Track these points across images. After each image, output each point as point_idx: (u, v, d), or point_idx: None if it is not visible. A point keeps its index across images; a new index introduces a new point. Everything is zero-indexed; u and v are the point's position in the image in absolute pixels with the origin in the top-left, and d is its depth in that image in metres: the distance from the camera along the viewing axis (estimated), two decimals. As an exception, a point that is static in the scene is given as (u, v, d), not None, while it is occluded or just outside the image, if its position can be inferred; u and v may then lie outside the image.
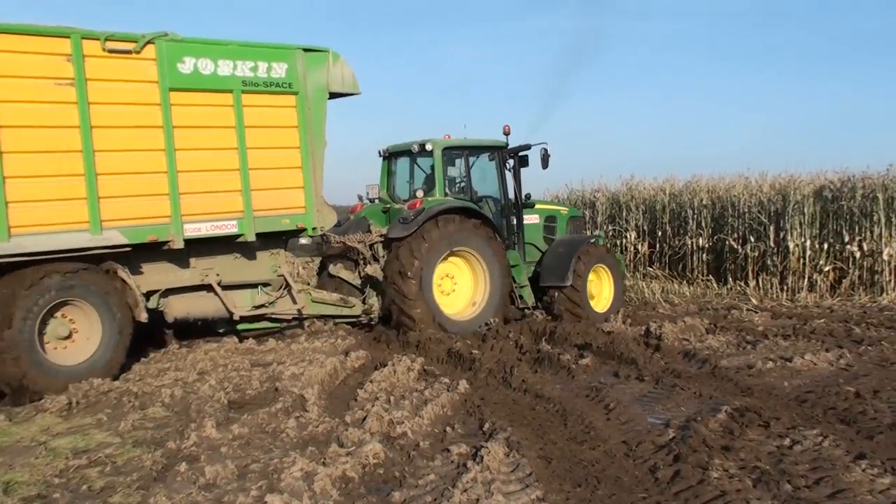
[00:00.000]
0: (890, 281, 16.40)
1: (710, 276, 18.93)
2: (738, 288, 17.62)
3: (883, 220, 16.65)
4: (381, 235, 12.49)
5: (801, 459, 6.01)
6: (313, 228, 11.27)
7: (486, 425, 7.05)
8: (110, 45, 9.40)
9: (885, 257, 16.48)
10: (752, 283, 17.57)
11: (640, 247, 21.17)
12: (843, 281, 16.85)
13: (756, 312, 13.99)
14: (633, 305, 15.58)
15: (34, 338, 8.85)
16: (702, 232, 19.73)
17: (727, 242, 18.97)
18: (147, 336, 10.72)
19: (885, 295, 15.98)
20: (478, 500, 5.29)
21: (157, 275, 10.37)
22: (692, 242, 19.79)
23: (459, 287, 12.75)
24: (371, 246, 12.60)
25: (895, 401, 7.83)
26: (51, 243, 8.97)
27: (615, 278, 13.91)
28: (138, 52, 9.61)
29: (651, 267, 20.60)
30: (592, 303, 13.58)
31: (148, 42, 9.69)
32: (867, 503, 5.16)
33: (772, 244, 17.85)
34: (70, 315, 9.32)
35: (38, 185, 8.93)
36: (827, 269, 17.05)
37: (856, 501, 5.18)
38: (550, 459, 6.20)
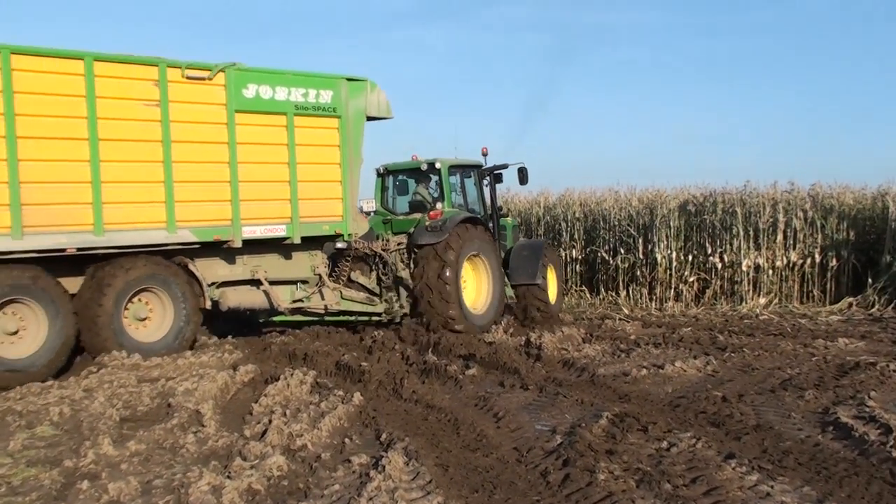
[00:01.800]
0: (748, 290, 17.53)
1: (584, 287, 19.72)
2: (611, 298, 18.45)
3: (742, 234, 17.79)
4: (398, 243, 13.94)
5: (678, 460, 6.53)
6: (349, 234, 13.07)
7: (384, 436, 7.32)
8: (189, 72, 11.20)
9: (744, 268, 17.63)
10: (623, 294, 18.44)
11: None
12: (707, 291, 17.90)
13: (628, 322, 14.75)
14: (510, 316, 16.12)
15: (120, 315, 10.83)
16: (575, 244, 20.52)
17: (599, 254, 19.80)
18: None
19: (744, 304, 17.09)
20: (383, 507, 5.56)
21: (214, 269, 12.06)
22: (566, 254, 20.54)
23: (468, 288, 14.00)
24: (385, 251, 13.89)
25: (758, 404, 8.52)
26: (136, 239, 10.86)
27: (558, 275, 15.75)
28: (211, 79, 11.43)
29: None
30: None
31: (219, 70, 11.49)
32: (738, 499, 5.68)
33: (641, 256, 18.78)
34: (147, 300, 11.23)
35: (128, 189, 10.75)
36: (691, 279, 18.08)
37: (728, 497, 5.70)
38: (447, 467, 6.52)
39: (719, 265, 17.94)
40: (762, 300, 17.17)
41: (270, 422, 7.69)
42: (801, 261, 17.78)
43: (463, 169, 14.97)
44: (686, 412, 8.16)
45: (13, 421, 8.25)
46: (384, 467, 6.23)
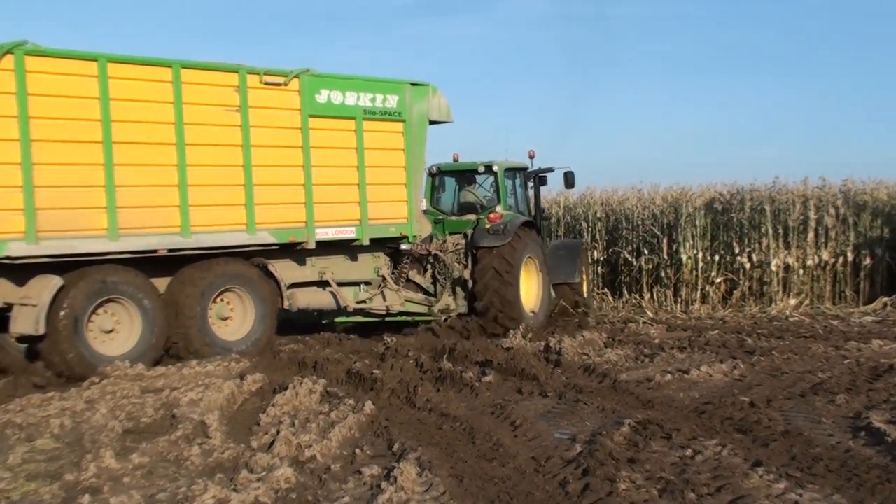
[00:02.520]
0: (778, 291, 17.47)
1: (606, 289, 19.69)
2: (634, 301, 18.42)
3: (770, 232, 17.72)
4: (455, 244, 14.67)
5: (703, 469, 6.52)
6: (413, 236, 13.87)
7: (396, 446, 7.34)
8: (267, 78, 11.93)
9: (773, 268, 17.56)
10: (647, 296, 18.40)
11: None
12: (734, 292, 17.84)
13: (652, 325, 14.73)
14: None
15: (206, 315, 11.62)
16: (597, 245, 20.49)
17: (622, 255, 19.77)
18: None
19: (773, 305, 17.03)
20: (395, 520, 5.58)
21: (287, 271, 12.75)
22: (588, 255, 20.52)
23: (522, 290, 14.59)
24: (443, 251, 14.63)
25: (787, 409, 8.50)
26: (220, 240, 11.61)
27: (588, 275, 16.79)
28: (286, 85, 12.17)
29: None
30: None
31: (294, 76, 12.24)
32: (765, 507, 5.68)
33: (665, 256, 18.73)
34: (229, 300, 12.02)
35: (212, 192, 11.48)
36: (718, 280, 18.03)
37: (755, 506, 5.70)
38: (462, 477, 6.53)
39: (747, 265, 17.88)
40: (792, 301, 17.10)
41: (278, 432, 7.72)
42: (832, 260, 17.70)
43: (514, 172, 15.76)
44: (712, 418, 8.15)
45: (13, 434, 8.31)
46: (396, 478, 6.25)
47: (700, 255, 18.30)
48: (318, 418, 8.33)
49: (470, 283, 14.36)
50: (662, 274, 18.78)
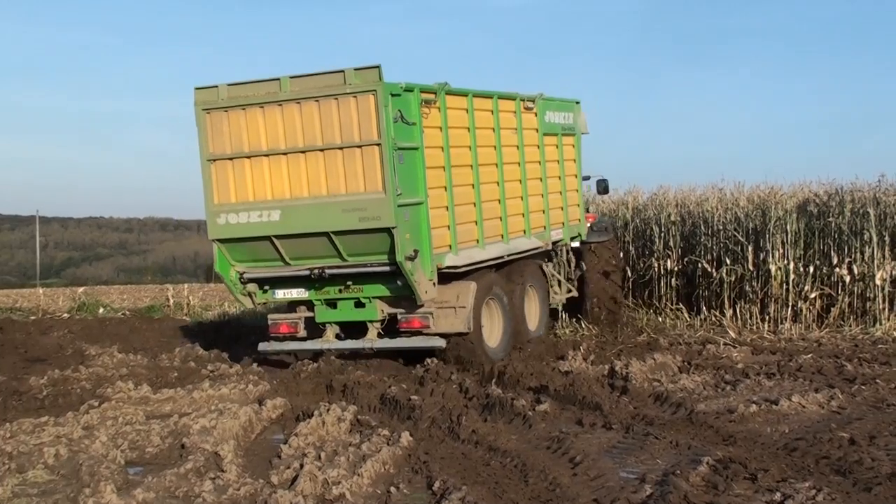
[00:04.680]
0: (884, 309, 17.20)
1: (681, 305, 19.50)
2: (714, 318, 18.24)
3: (875, 240, 17.45)
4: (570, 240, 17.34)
5: (794, 516, 6.46)
6: (580, 235, 17.26)
7: (436, 484, 7.36)
8: (524, 104, 15.28)
9: (878, 282, 17.27)
10: (729, 313, 18.18)
11: (598, 270, 21.67)
12: (832, 309, 17.60)
13: (734, 347, 14.60)
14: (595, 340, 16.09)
15: (523, 308, 15.29)
16: (670, 253, 20.32)
17: (700, 265, 19.61)
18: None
19: (878, 325, 16.75)
20: (435, 569, 5.58)
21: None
22: (659, 265, 20.36)
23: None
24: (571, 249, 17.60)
25: (894, 447, 8.38)
26: (521, 245, 14.96)
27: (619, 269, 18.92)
28: (532, 109, 15.57)
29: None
30: None
31: (535, 100, 15.60)
32: (867, 563, 5.61)
33: (751, 267, 18.51)
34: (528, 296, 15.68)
35: (513, 204, 14.85)
36: (813, 295, 17.78)
37: (855, 561, 5.63)
38: (513, 522, 6.54)
39: (847, 278, 17.62)
40: (901, 321, 16.84)
41: (302, 466, 7.77)
42: (949, 272, 17.37)
43: None
44: (805, 457, 8.05)
45: (2, 464, 8.49)
46: (436, 522, 6.26)
47: (791, 266, 18.07)
48: (348, 451, 8.37)
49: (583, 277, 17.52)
50: (747, 287, 18.57)
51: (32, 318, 22.18)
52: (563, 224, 16.58)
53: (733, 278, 18.87)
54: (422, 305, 12.62)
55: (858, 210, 18.06)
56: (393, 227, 11.88)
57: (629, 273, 20.94)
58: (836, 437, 8.62)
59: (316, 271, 12.46)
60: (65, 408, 10.74)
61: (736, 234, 19.05)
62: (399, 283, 12.31)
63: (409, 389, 11.44)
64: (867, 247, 17.59)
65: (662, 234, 20.55)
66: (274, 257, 12.66)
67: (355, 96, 11.92)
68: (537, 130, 15.73)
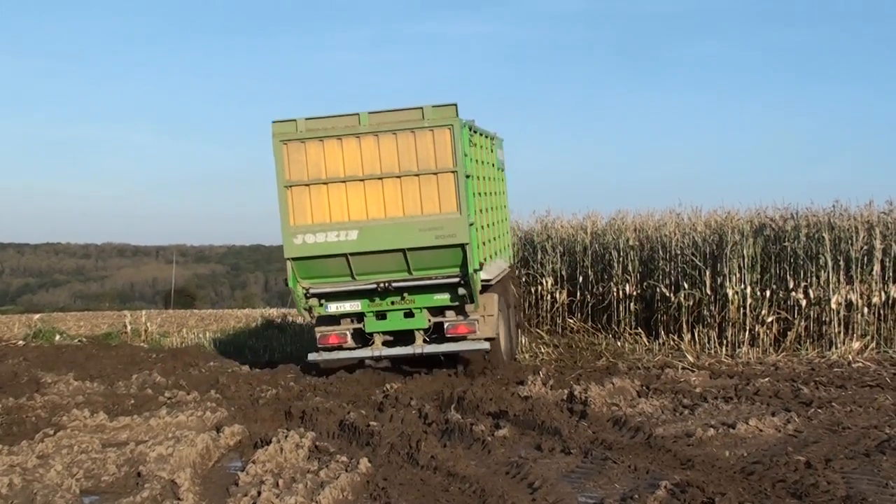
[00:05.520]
0: (839, 333, 17.38)
1: (640, 329, 19.59)
2: (672, 343, 18.33)
3: (830, 264, 17.64)
4: None
5: (751, 539, 6.50)
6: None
7: (395, 510, 7.34)
8: (493, 141, 17.48)
9: (833, 306, 17.47)
10: (688, 337, 18.28)
11: (557, 295, 21.72)
12: (788, 333, 17.75)
13: (693, 371, 14.71)
14: (554, 364, 16.12)
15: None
16: (629, 277, 20.43)
17: (658, 289, 19.72)
18: None
19: (833, 349, 16.91)
20: None
21: None
22: (618, 290, 20.45)
23: None
24: None
25: (849, 471, 8.46)
26: (503, 264, 16.95)
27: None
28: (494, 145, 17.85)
29: (571, 318, 21.17)
30: None
31: (494, 137, 17.80)
32: (823, 585, 5.66)
33: (708, 291, 18.65)
34: None
35: (497, 227, 17.12)
36: (770, 319, 17.94)
37: (811, 584, 5.68)
38: (471, 548, 6.53)
39: (803, 302, 17.79)
40: (856, 345, 16.99)
41: (260, 494, 7.73)
42: (903, 296, 17.59)
43: None
44: (762, 480, 8.11)
45: (-47, 494, 8.34)
46: (395, 548, 6.24)
47: (748, 290, 18.22)
48: (306, 477, 8.34)
49: None
50: (705, 311, 18.70)
51: (-13, 345, 21.89)
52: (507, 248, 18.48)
53: (691, 303, 18.99)
54: (467, 314, 14.44)
55: (814, 235, 18.25)
56: (466, 244, 13.81)
57: (588, 298, 21.14)
58: (792, 461, 8.70)
59: (383, 284, 14.00)
60: (19, 436, 10.60)
61: (693, 258, 19.17)
62: (452, 293, 14.21)
63: (368, 415, 11.42)
64: (822, 271, 17.77)
65: (621, 259, 20.65)
66: (342, 273, 14.12)
67: (432, 130, 13.79)
68: (494, 165, 17.18)
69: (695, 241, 19.57)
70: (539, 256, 22.28)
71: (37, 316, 31.43)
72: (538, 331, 20.61)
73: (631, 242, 20.78)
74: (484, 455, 9.48)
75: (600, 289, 21.03)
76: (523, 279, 21.68)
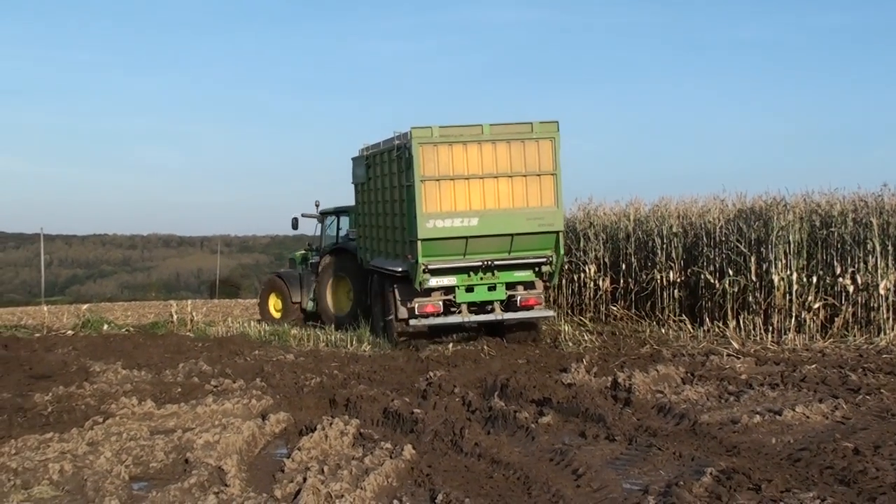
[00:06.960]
0: (888, 319, 17.18)
1: (684, 316, 19.50)
2: (717, 329, 18.23)
3: (878, 249, 17.43)
4: None
5: (798, 526, 6.46)
6: None
7: (440, 497, 7.36)
8: None
9: (882, 291, 17.26)
10: (733, 324, 18.18)
11: (601, 283, 21.70)
12: (835, 319, 17.58)
13: (738, 358, 14.59)
14: (598, 352, 16.08)
15: None
16: (672, 264, 20.34)
17: (702, 276, 19.60)
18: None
19: (882, 335, 16.72)
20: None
21: None
22: (662, 277, 20.38)
23: None
24: None
25: (898, 457, 8.37)
26: None
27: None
28: None
29: (614, 306, 21.13)
30: None
31: None
32: (871, 572, 5.61)
33: (753, 278, 18.52)
34: None
35: None
36: (816, 306, 17.77)
37: (859, 571, 5.63)
38: (516, 534, 6.54)
39: (851, 288, 17.61)
40: (905, 330, 16.81)
41: (305, 480, 7.78)
42: (953, 281, 17.34)
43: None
44: (808, 467, 8.05)
45: (7, 480, 8.46)
46: (440, 534, 6.26)
47: (794, 277, 18.07)
48: (351, 464, 8.38)
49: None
50: (750, 298, 18.58)
51: (37, 335, 22.14)
52: None
53: (736, 289, 18.88)
54: (535, 288, 17.57)
55: (861, 220, 18.04)
56: (560, 231, 17.12)
57: (631, 285, 21.08)
58: (840, 448, 8.62)
59: (486, 262, 16.95)
60: (69, 424, 10.73)
61: (738, 245, 19.03)
62: (532, 271, 17.36)
63: (412, 403, 11.45)
64: (870, 256, 17.57)
65: (665, 246, 20.57)
66: (457, 252, 16.83)
67: (538, 141, 16.86)
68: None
69: (739, 228, 19.42)
70: (581, 244, 22.26)
71: (85, 306, 31.75)
72: (581, 318, 20.61)
73: (675, 229, 20.69)
74: (528, 442, 9.49)
75: (644, 276, 20.96)
76: (565, 267, 21.67)
